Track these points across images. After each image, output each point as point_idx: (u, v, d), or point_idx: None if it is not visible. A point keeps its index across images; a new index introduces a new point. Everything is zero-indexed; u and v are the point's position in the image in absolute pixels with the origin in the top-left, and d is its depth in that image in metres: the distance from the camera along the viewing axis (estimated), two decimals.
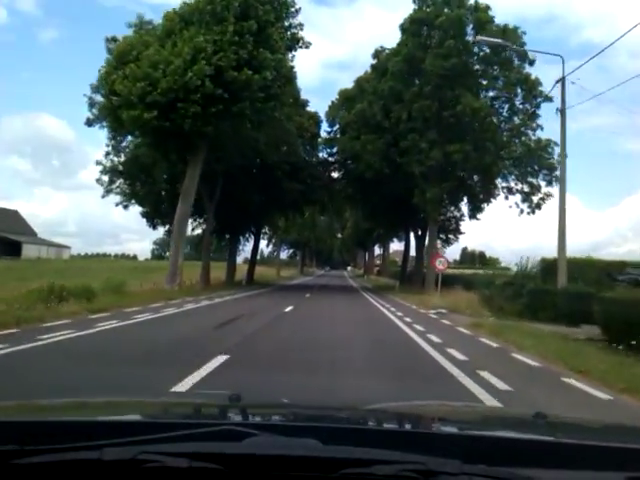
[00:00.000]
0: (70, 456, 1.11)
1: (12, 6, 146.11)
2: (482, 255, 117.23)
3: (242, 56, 23.65)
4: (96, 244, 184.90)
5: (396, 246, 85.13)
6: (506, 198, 34.26)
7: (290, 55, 27.00)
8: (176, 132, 24.52)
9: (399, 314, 17.78)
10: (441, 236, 42.81)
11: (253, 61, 24.01)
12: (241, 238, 47.66)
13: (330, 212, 53.84)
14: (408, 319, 15.87)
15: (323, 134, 41.58)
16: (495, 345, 10.72)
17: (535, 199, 31.85)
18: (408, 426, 1.80)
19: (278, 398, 2.72)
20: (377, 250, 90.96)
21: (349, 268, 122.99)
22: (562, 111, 19.96)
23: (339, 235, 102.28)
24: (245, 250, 48.99)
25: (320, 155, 42.48)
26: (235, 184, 34.50)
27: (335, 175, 42.30)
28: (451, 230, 43.98)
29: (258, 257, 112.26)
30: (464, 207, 40.65)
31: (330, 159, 41.72)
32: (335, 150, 40.60)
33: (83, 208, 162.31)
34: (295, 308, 18.35)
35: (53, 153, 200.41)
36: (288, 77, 27.02)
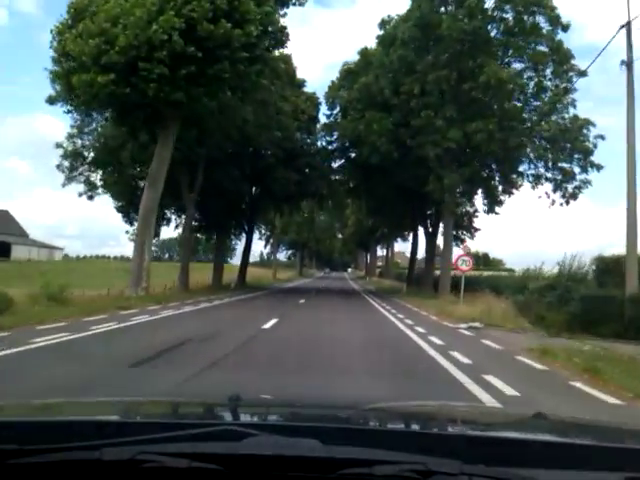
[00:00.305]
0: (69, 456, 1.10)
1: (13, 8, 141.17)
2: (486, 256, 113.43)
3: (220, 6, 19.07)
4: (97, 246, 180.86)
5: (397, 247, 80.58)
6: (533, 188, 29.70)
7: (282, 12, 22.40)
8: (140, 100, 19.99)
9: (420, 330, 13.17)
10: (453, 234, 38.26)
11: (234, 13, 19.43)
12: (232, 236, 43.24)
13: (330, 208, 49.19)
14: (436, 339, 11.25)
15: (322, 118, 37.11)
16: (620, 402, 6.11)
17: (570, 187, 27.24)
18: (408, 426, 1.76)
19: (277, 398, 2.49)
20: (379, 251, 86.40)
21: (349, 270, 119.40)
22: (629, 64, 15.40)
23: (339, 235, 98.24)
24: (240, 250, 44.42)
25: (319, 144, 37.87)
26: (220, 172, 29.93)
27: (335, 165, 37.76)
28: (464, 227, 39.33)
29: (257, 259, 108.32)
30: (478, 201, 36.42)
31: (330, 147, 37.08)
32: (335, 137, 35.95)
33: (85, 210, 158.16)
34: (280, 321, 13.72)
35: (54, 155, 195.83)
36: (279, 39, 22.41)
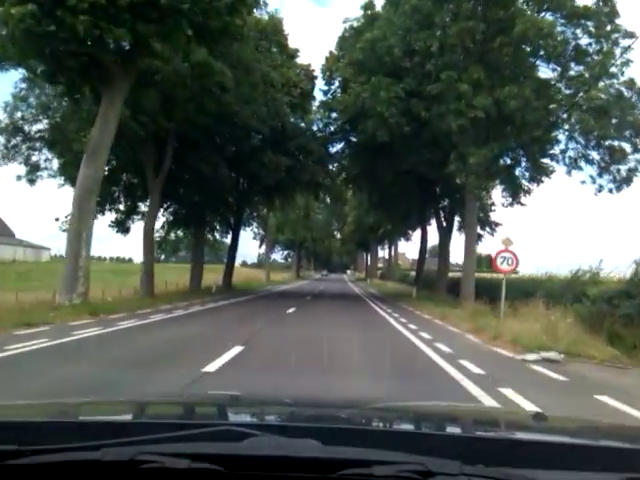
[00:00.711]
0: (68, 456, 1.08)
1: None
2: (490, 258, 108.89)
3: None
4: (98, 247, 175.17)
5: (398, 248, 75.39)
6: (569, 172, 24.73)
7: None
8: (73, 45, 14.94)
9: (471, 367, 8.09)
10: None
11: None
12: (217, 233, 38.18)
13: (327, 202, 44.10)
14: (514, 394, 6.17)
15: (318, 96, 32.14)
16: None
17: (622, 169, 22.24)
18: (408, 426, 1.76)
19: (277, 398, 2.43)
20: (379, 252, 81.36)
21: (349, 271, 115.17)
22: None
23: (338, 235, 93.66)
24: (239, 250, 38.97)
25: (314, 128, 32.73)
26: (195, 153, 24.95)
27: (334, 150, 32.64)
28: (480, 220, 34.16)
29: (255, 260, 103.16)
30: (495, 193, 31.52)
31: (327, 129, 32.00)
32: (334, 117, 30.85)
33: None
34: (244, 352, 8.55)
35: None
36: None
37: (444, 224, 30.70)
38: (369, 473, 1.04)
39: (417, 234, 59.41)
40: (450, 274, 32.00)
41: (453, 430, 1.68)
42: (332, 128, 31.98)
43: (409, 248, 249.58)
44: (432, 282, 33.20)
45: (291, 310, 18.70)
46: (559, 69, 22.75)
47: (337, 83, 30.34)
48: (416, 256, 41.66)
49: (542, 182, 26.70)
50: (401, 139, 22.85)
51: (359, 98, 22.76)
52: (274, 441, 1.12)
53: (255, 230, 57.10)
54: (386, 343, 11.19)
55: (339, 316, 17.79)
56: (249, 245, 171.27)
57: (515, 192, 26.92)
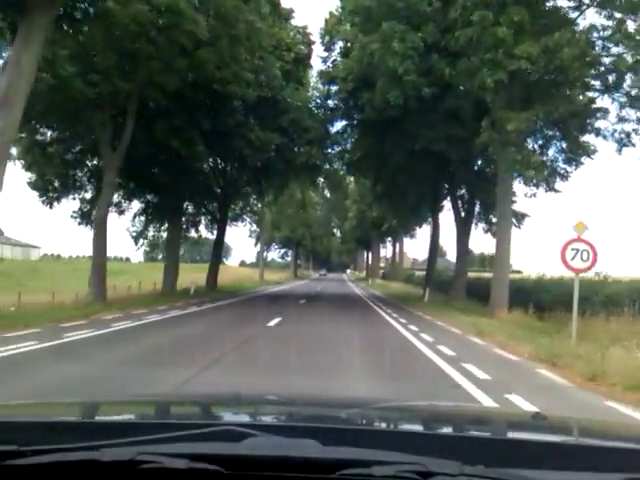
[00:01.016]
0: (68, 457, 1.07)
1: None
2: (492, 258, 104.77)
3: None
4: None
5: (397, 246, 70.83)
6: (620, 150, 20.34)
7: None
8: None
9: None
10: (483, 226, 28.96)
11: None
12: (202, 225, 33.60)
13: (325, 194, 39.57)
14: None
15: (317, 66, 27.70)
16: None
17: None
18: (407, 427, 1.75)
19: (277, 398, 2.47)
20: (381, 251, 76.93)
21: (348, 271, 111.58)
22: None
23: (338, 234, 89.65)
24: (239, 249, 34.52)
25: (311, 105, 28.20)
26: (163, 125, 20.50)
27: (334, 130, 28.17)
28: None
29: (254, 260, 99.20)
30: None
31: (327, 105, 27.60)
32: (334, 89, 26.42)
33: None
34: None
35: None
36: None
37: (462, 214, 26.21)
38: (369, 473, 1.03)
39: (421, 232, 55.03)
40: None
41: (453, 430, 1.65)
42: (332, 103, 27.67)
43: (410, 247, 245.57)
44: (443, 283, 28.94)
45: (276, 321, 14.17)
46: (612, 20, 18.31)
47: (338, 49, 26.04)
48: (417, 255, 37.31)
49: (582, 164, 22.44)
50: (418, 105, 18.35)
51: (366, 54, 18.24)
52: (273, 441, 1.12)
53: (250, 227, 52.79)
54: (417, 387, 6.70)
55: (337, 330, 13.30)
56: (248, 243, 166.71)
57: (548, 176, 22.50)
